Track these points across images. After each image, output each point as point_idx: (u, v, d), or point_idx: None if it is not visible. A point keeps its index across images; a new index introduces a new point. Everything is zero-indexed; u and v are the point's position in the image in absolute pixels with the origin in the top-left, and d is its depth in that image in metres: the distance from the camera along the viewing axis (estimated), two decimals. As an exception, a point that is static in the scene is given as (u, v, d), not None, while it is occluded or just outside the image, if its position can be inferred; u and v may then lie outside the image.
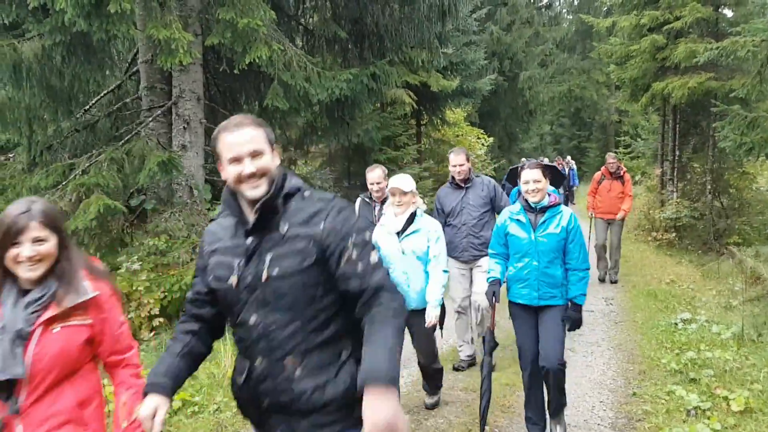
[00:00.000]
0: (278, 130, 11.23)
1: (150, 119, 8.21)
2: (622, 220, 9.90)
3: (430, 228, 4.41)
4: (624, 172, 10.03)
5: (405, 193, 4.36)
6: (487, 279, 4.35)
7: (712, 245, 13.94)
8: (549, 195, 4.11)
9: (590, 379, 5.64)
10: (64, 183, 7.41)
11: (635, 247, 14.11)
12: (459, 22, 12.38)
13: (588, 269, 4.10)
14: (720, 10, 14.51)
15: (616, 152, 27.41)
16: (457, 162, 5.67)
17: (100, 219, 6.68)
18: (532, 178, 4.03)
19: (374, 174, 5.66)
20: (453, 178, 5.78)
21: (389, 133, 12.54)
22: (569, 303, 4.09)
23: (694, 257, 13.02)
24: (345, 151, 12.03)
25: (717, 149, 13.97)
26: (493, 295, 4.22)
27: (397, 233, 4.38)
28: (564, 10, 38.97)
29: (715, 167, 14.63)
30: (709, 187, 14.64)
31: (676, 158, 15.87)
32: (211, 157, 9.48)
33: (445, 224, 5.56)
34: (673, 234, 14.62)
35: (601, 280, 10.07)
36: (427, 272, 4.39)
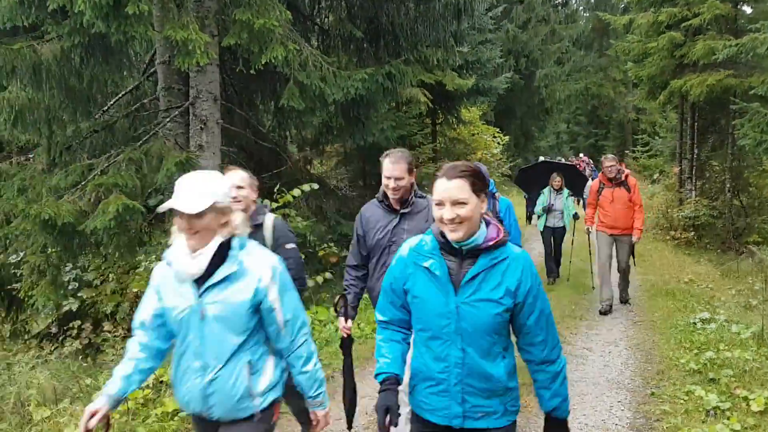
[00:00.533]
0: (294, 130, 11.29)
1: (167, 120, 8.26)
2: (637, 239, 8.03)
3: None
4: (627, 176, 7.98)
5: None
6: (376, 376, 2.46)
7: (731, 244, 13.81)
8: (488, 225, 2.31)
9: (608, 378, 5.60)
10: (83, 183, 7.48)
11: (653, 246, 13.99)
12: (475, 20, 12.34)
13: (561, 359, 2.40)
14: (739, 6, 14.36)
15: (633, 150, 27.23)
16: (393, 173, 3.64)
17: (118, 219, 6.72)
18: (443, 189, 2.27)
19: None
20: (384, 195, 3.80)
21: (404, 132, 12.55)
22: (547, 419, 2.46)
23: (713, 256, 12.90)
24: (360, 150, 12.03)
25: (736, 147, 13.83)
26: (386, 412, 2.31)
27: None
28: (581, 8, 38.72)
29: (735, 165, 14.48)
30: (728, 185, 14.50)
31: (695, 156, 15.73)
32: (228, 157, 9.55)
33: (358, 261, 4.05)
34: (692, 233, 14.50)
35: (603, 313, 7.98)
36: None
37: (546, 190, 9.60)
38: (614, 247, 8.09)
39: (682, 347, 6.37)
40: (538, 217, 9.74)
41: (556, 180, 9.45)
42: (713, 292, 9.18)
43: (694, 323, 7.16)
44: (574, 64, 33.28)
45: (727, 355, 5.84)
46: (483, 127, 18.80)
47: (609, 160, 8.05)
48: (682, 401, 4.93)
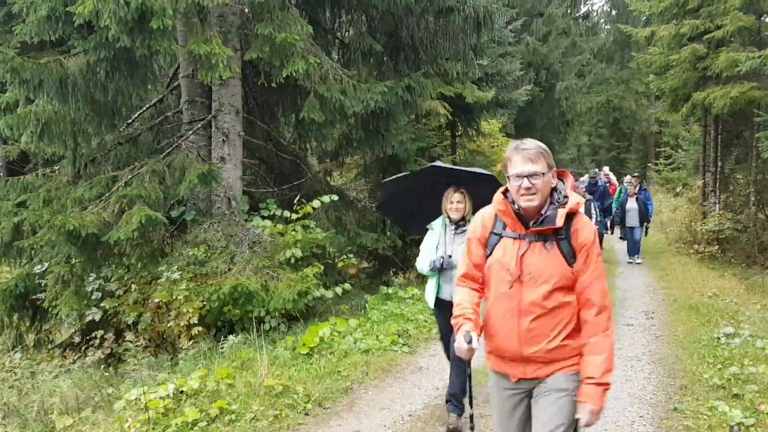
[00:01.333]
0: (314, 142, 11.38)
1: (190, 132, 8.39)
2: None
3: None
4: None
5: None
6: None
7: (756, 258, 13.58)
8: None
9: (630, 393, 5.53)
10: (107, 195, 7.61)
11: (677, 259, 13.83)
12: (494, 33, 12.34)
13: None
14: (762, 18, 14.21)
15: (655, 163, 26.96)
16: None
17: (141, 230, 6.83)
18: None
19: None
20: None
21: (424, 144, 12.54)
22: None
23: (737, 270, 12.69)
24: (380, 162, 12.06)
25: (761, 160, 13.63)
26: None
27: None
28: (602, 20, 38.62)
29: (759, 178, 14.26)
30: (752, 198, 14.29)
31: (719, 169, 15.53)
32: (249, 169, 9.65)
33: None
34: (716, 247, 14.28)
35: None
36: None
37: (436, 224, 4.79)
38: None
39: (705, 362, 6.27)
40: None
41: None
42: (737, 306, 9.03)
43: (718, 338, 7.05)
44: (595, 77, 33.12)
45: (751, 370, 5.74)
46: (503, 140, 18.74)
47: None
48: (705, 417, 4.85)
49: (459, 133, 16.02)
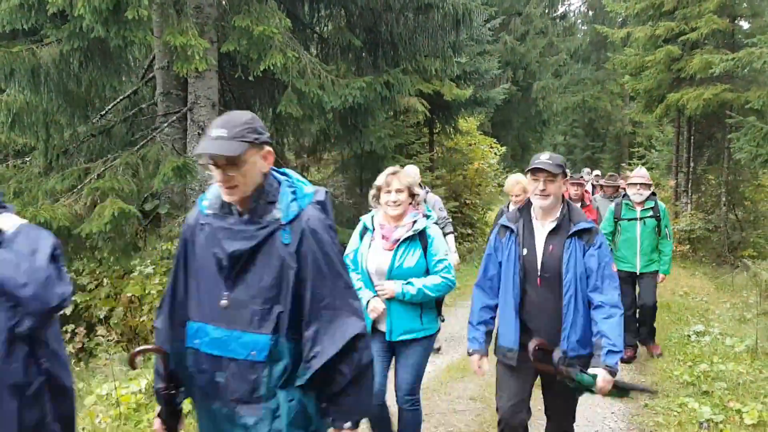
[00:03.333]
0: (291, 137, 11.30)
1: (165, 125, 8.28)
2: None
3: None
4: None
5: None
6: None
7: (726, 258, 13.84)
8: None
9: (602, 390, 5.59)
10: (79, 187, 7.48)
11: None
12: (473, 31, 12.38)
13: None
14: (736, 21, 14.47)
15: (629, 163, 27.31)
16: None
17: (114, 223, 6.72)
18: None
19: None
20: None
21: (402, 141, 12.56)
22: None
23: (708, 269, 12.92)
24: (357, 158, 12.04)
25: (732, 161, 13.89)
26: None
27: None
28: (579, 21, 38.91)
29: (730, 179, 14.54)
30: (723, 199, 14.55)
31: (691, 170, 15.80)
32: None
33: None
34: (687, 246, 14.53)
35: None
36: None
37: None
38: None
39: (676, 359, 6.37)
40: None
41: None
42: (708, 305, 9.19)
43: (689, 336, 7.17)
44: (571, 77, 33.41)
45: (721, 367, 5.84)
46: (480, 138, 18.83)
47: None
48: (675, 413, 4.92)
49: (437, 131, 16.06)
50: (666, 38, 14.53)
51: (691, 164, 15.80)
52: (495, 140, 20.22)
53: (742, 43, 13.56)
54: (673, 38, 14.37)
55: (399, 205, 3.54)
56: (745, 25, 15.10)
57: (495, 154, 19.40)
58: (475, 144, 17.88)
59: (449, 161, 16.50)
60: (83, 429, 4.26)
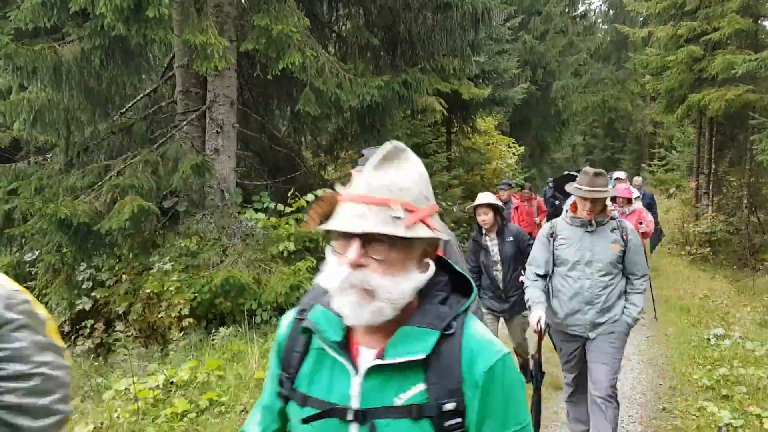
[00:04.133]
0: (309, 136, 11.32)
1: (184, 123, 8.34)
2: None
3: None
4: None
5: None
6: None
7: (747, 261, 13.65)
8: None
9: (620, 393, 5.52)
10: (99, 184, 7.56)
11: (668, 260, 13.87)
12: (492, 30, 12.33)
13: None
14: (760, 21, 14.25)
15: (649, 164, 27.06)
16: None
17: (134, 220, 6.79)
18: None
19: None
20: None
21: (419, 140, 12.54)
22: None
23: (728, 272, 12.75)
24: (375, 157, 12.05)
25: (754, 163, 13.70)
26: None
27: None
28: (599, 20, 38.66)
29: (752, 181, 14.33)
30: (745, 201, 14.35)
31: (712, 171, 15.60)
32: (243, 161, 9.61)
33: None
34: (708, 248, 14.34)
35: None
36: None
37: None
38: None
39: (695, 363, 6.29)
40: None
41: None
42: (728, 308, 9.07)
43: (708, 339, 7.07)
44: (591, 77, 33.15)
45: (740, 371, 5.76)
46: (498, 137, 18.76)
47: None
48: (693, 417, 4.86)
49: (454, 130, 16.02)
50: (688, 38, 14.36)
51: (713, 166, 15.61)
52: (513, 140, 20.14)
53: (765, 43, 13.37)
54: (695, 38, 14.20)
55: None
56: (768, 24, 14.89)
57: (513, 154, 19.32)
58: (492, 144, 17.83)
59: (467, 161, 16.46)
60: (101, 423, 4.30)
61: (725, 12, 13.22)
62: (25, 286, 5.23)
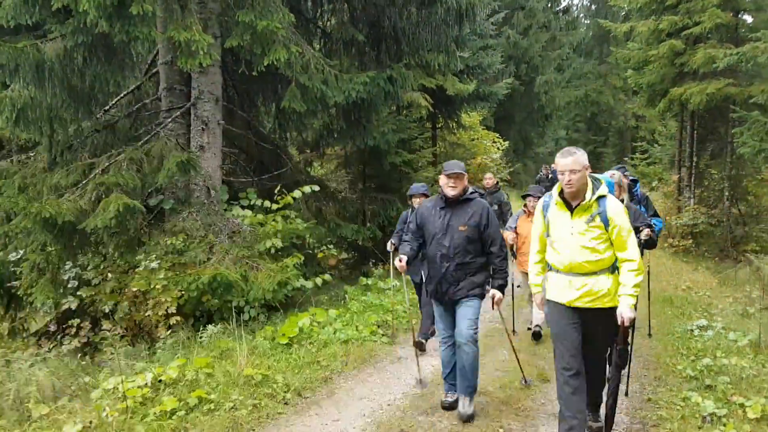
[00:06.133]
0: (294, 132, 11.31)
1: (169, 120, 8.29)
2: None
3: None
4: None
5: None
6: None
7: (729, 252, 13.84)
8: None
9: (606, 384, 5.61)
10: (84, 182, 7.50)
11: (651, 253, 13.98)
12: (476, 26, 12.38)
13: None
14: (740, 15, 14.41)
15: (631, 157, 27.30)
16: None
17: (119, 218, 6.74)
18: None
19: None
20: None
21: (405, 135, 12.56)
22: None
23: (710, 264, 12.92)
24: (360, 153, 12.05)
25: (735, 156, 13.88)
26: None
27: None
28: (581, 15, 38.86)
29: (733, 174, 14.52)
30: (726, 193, 14.54)
31: (694, 164, 15.77)
32: (229, 159, 9.58)
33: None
34: (690, 240, 14.52)
35: None
36: None
37: None
38: None
39: (679, 354, 6.38)
40: None
41: None
42: (711, 299, 9.19)
43: (692, 330, 7.18)
44: (574, 71, 33.39)
45: (724, 362, 5.85)
46: (483, 132, 18.84)
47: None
48: (678, 407, 4.93)
49: (440, 125, 16.06)
50: (669, 32, 14.50)
51: (694, 159, 15.77)
52: (498, 135, 20.22)
53: (745, 37, 13.51)
54: (676, 32, 14.33)
55: None
56: (748, 19, 15.05)
57: (498, 148, 19.41)
58: (477, 138, 17.91)
59: (452, 156, 16.50)
60: (90, 423, 4.29)
61: (706, 6, 13.36)
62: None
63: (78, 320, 7.28)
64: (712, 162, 15.74)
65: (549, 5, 31.98)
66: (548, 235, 4.02)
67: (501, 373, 5.69)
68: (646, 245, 5.36)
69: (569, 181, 3.81)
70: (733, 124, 13.06)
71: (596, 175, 4.01)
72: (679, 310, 8.42)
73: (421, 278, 6.03)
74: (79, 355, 7.01)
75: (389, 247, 6.54)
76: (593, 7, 39.96)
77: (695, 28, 13.52)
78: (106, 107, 8.72)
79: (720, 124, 15.24)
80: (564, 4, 34.51)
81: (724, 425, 4.52)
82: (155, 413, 4.51)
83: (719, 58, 11.43)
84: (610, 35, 22.69)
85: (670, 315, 8.15)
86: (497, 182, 10.98)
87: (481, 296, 4.69)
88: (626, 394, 5.23)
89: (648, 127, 28.61)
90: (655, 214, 6.31)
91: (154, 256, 7.15)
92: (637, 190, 6.31)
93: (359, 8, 9.86)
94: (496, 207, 9.34)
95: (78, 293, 7.44)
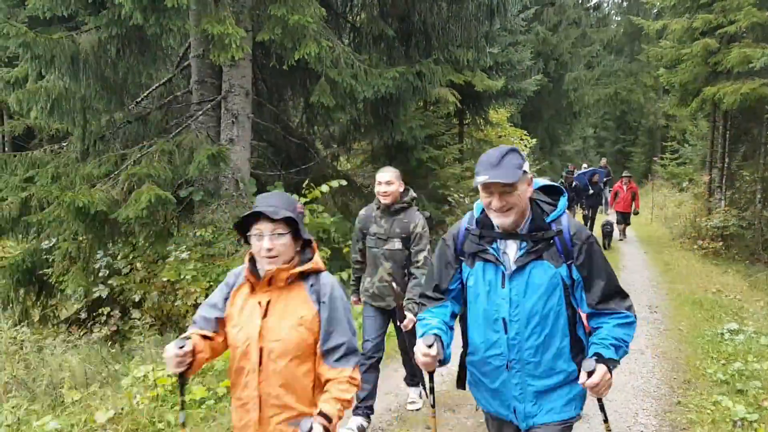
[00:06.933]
0: (322, 127, 11.33)
1: (200, 113, 8.36)
2: None
3: None
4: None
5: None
6: None
7: (760, 256, 13.58)
8: None
9: (634, 386, 5.56)
10: (116, 173, 7.60)
11: (680, 254, 13.82)
12: (507, 21, 12.29)
13: None
14: (777, 14, 14.08)
15: (661, 157, 26.95)
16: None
17: (150, 209, 6.81)
18: None
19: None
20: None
21: (432, 131, 12.52)
22: None
23: (741, 267, 12.70)
24: (387, 148, 12.04)
25: (769, 157, 13.60)
26: None
27: None
28: (612, 12, 38.37)
29: (766, 176, 14.23)
30: (759, 195, 14.26)
31: (725, 165, 15.50)
32: (257, 151, 9.63)
33: None
34: (720, 243, 14.28)
35: None
36: None
37: None
38: None
39: (709, 357, 6.30)
40: None
41: None
42: (741, 303, 9.04)
43: (722, 333, 7.07)
44: (604, 69, 32.97)
45: (755, 366, 5.76)
46: (510, 129, 18.70)
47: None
48: (708, 411, 4.87)
49: (467, 122, 15.99)
50: (703, 31, 14.23)
51: (726, 160, 15.50)
52: (525, 132, 20.07)
53: (782, 36, 13.23)
54: (710, 31, 14.07)
55: None
56: (786, 18, 14.72)
57: (525, 146, 19.26)
58: (504, 135, 17.78)
59: (479, 153, 16.40)
60: (122, 409, 4.36)
61: (741, 4, 13.07)
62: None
63: (108, 308, 7.39)
64: (745, 163, 15.46)
65: (580, 1, 31.61)
66: None
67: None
68: None
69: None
70: (767, 125, 12.80)
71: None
72: (708, 313, 8.30)
73: None
74: (109, 343, 7.13)
75: None
76: (625, 4, 39.43)
77: (730, 27, 13.25)
78: (138, 99, 8.82)
79: (754, 125, 14.95)
80: (595, 0, 34.10)
81: (755, 430, 4.45)
82: (185, 402, 4.56)
83: (755, 58, 11.20)
84: (642, 33, 22.30)
85: (700, 318, 8.04)
86: None
87: None
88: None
89: (679, 127, 28.17)
90: None
91: (184, 246, 7.22)
92: None
93: (389, 3, 9.83)
94: None
95: (108, 282, 7.55)
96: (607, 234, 14.60)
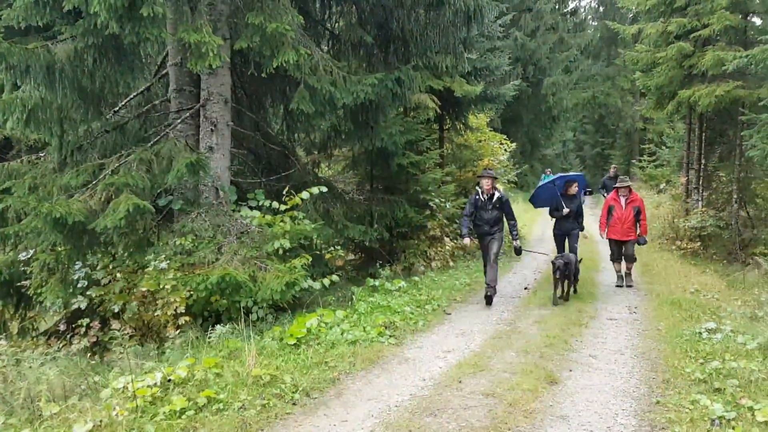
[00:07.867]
0: (302, 134, 11.33)
1: (178, 121, 8.34)
2: None
3: None
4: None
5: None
6: None
7: (737, 255, 13.79)
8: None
9: (613, 386, 5.61)
10: (93, 183, 7.55)
11: (659, 255, 13.98)
12: (484, 27, 12.37)
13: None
14: (749, 17, 14.36)
15: (639, 159, 27.25)
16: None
17: (128, 218, 6.78)
18: None
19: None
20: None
21: (412, 137, 12.55)
22: None
23: (719, 267, 12.87)
24: (368, 154, 12.06)
25: (744, 158, 13.84)
26: None
27: None
28: (589, 17, 38.79)
29: (742, 176, 14.47)
30: (735, 196, 14.48)
31: (702, 167, 15.73)
32: (237, 159, 9.61)
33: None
34: (698, 243, 14.49)
35: None
36: None
37: None
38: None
39: (687, 356, 6.37)
40: None
41: None
42: (719, 302, 9.16)
43: (700, 333, 7.15)
44: (581, 73, 33.31)
45: (732, 365, 5.83)
46: (490, 134, 18.81)
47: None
48: (687, 410, 4.92)
49: (447, 127, 16.05)
50: (677, 34, 14.48)
51: (703, 161, 15.73)
52: (505, 137, 20.20)
53: (754, 39, 13.48)
54: (684, 35, 14.31)
55: None
56: (757, 21, 15.00)
57: (505, 150, 19.38)
58: (485, 140, 17.88)
59: (459, 158, 16.51)
60: (100, 422, 4.32)
61: (715, 8, 13.32)
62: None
63: (87, 320, 7.33)
64: (721, 164, 15.70)
65: (557, 7, 31.97)
66: None
67: (509, 375, 5.70)
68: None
69: None
70: (742, 127, 13.01)
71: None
72: (687, 312, 8.39)
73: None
74: (89, 354, 7.06)
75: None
76: (601, 9, 39.87)
77: (704, 31, 13.49)
78: (116, 108, 8.78)
79: (729, 127, 15.20)
80: (572, 5, 34.57)
81: (733, 428, 4.51)
82: (165, 413, 4.53)
83: (728, 60, 11.40)
84: (618, 37, 22.63)
85: (678, 318, 8.13)
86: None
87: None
88: None
89: (656, 130, 28.54)
90: None
91: (164, 256, 7.19)
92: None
93: (367, 10, 9.89)
94: None
95: (87, 293, 7.49)
96: (563, 276, 9.13)
